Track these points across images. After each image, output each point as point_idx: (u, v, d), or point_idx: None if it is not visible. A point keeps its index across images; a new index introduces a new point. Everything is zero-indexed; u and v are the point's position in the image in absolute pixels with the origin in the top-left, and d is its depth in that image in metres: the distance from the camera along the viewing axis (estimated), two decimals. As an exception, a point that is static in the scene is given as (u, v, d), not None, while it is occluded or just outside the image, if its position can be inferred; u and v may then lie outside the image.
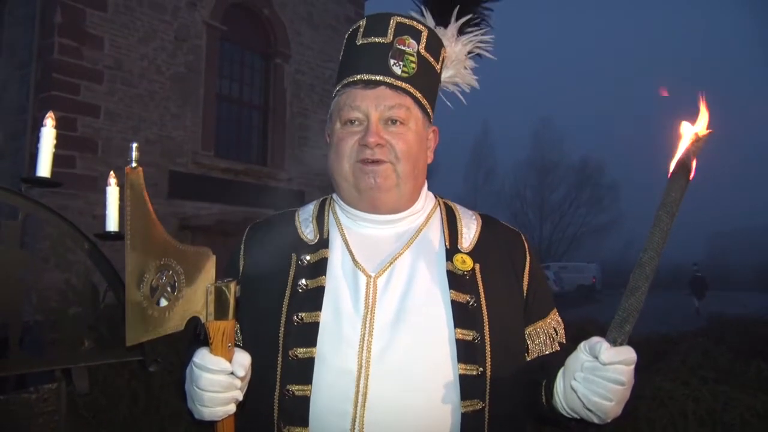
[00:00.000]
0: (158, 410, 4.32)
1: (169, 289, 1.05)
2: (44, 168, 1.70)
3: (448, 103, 1.57)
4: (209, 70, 11.18)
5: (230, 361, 1.06)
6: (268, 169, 12.18)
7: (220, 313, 1.06)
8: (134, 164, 1.04)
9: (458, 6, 1.54)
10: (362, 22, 1.38)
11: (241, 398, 1.09)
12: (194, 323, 1.08)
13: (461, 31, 1.55)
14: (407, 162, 1.29)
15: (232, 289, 1.06)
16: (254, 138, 12.42)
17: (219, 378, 1.05)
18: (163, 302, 1.05)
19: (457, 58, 1.53)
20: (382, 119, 1.29)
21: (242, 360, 1.08)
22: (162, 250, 1.05)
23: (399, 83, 1.30)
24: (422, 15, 1.54)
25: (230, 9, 11.61)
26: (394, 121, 1.29)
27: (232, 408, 1.07)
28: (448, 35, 1.51)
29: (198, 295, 1.07)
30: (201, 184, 10.86)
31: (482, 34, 1.56)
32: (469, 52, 1.55)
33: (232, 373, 1.06)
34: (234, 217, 10.81)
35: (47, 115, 1.72)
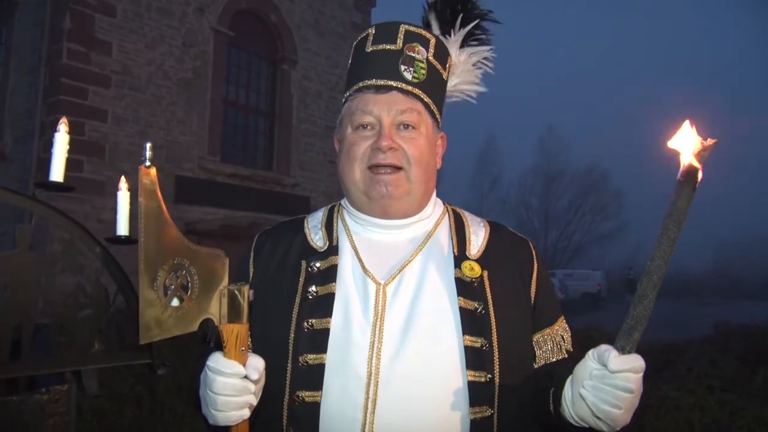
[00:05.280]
0: (162, 414, 4.32)
1: (182, 289, 1.05)
2: (57, 172, 1.71)
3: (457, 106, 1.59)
4: (216, 76, 11.25)
5: (244, 364, 1.06)
6: (273, 174, 12.22)
7: (234, 316, 1.06)
8: (148, 163, 1.04)
9: (461, 15, 1.55)
10: (371, 31, 1.39)
11: (255, 403, 1.09)
12: (207, 325, 1.08)
13: (465, 43, 1.56)
14: (419, 167, 1.30)
15: (246, 293, 1.07)
16: (260, 143, 12.47)
17: (233, 381, 1.05)
18: (176, 302, 1.05)
19: (463, 67, 1.54)
20: (394, 124, 1.30)
21: (256, 363, 1.08)
22: (175, 250, 1.05)
23: (410, 88, 1.31)
24: (428, 23, 1.56)
25: (237, 15, 11.68)
26: (406, 126, 1.30)
27: (246, 413, 1.07)
28: (451, 43, 1.53)
29: (211, 297, 1.07)
30: (207, 189, 10.90)
31: (485, 50, 1.57)
32: (473, 64, 1.56)
33: (246, 377, 1.06)
34: (239, 222, 10.85)
35: (60, 121, 1.73)
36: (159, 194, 1.03)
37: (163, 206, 1.04)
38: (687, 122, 1.00)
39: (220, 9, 11.33)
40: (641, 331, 1.01)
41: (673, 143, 1.00)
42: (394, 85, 1.30)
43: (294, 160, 12.53)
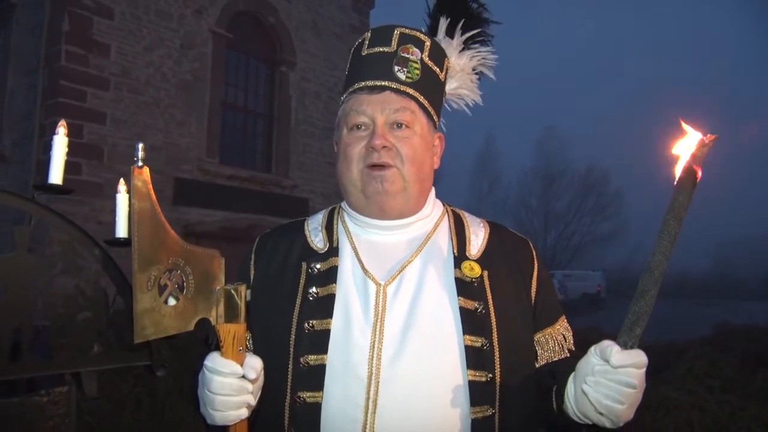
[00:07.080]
0: (163, 416, 4.32)
1: (177, 288, 1.05)
2: (56, 175, 1.72)
3: (450, 108, 1.59)
4: (215, 78, 11.24)
5: (242, 364, 1.06)
6: (272, 176, 12.22)
7: (231, 316, 1.06)
8: (140, 164, 1.04)
9: (464, 20, 1.56)
10: (367, 35, 1.41)
11: (253, 403, 1.09)
12: (204, 326, 1.08)
13: (466, 46, 1.57)
14: (413, 165, 1.30)
15: (242, 293, 1.07)
16: (259, 145, 12.46)
17: (230, 381, 1.05)
18: (172, 301, 1.04)
19: (462, 70, 1.55)
20: (387, 123, 1.31)
21: (254, 363, 1.08)
22: (170, 250, 1.04)
23: (403, 88, 1.32)
24: (430, 25, 1.56)
25: (236, 17, 11.68)
26: (399, 125, 1.31)
27: (244, 413, 1.07)
28: (453, 46, 1.54)
29: (207, 296, 1.07)
30: (206, 191, 10.89)
31: (486, 52, 1.58)
32: (474, 68, 1.57)
33: (243, 377, 1.06)
34: (238, 223, 10.84)
35: (59, 124, 1.73)
36: (152, 195, 1.03)
37: (157, 207, 1.04)
38: (690, 129, 1.00)
39: (219, 11, 11.33)
40: (643, 326, 1.01)
41: (675, 149, 1.00)
42: (387, 85, 1.32)
43: (293, 161, 12.52)
